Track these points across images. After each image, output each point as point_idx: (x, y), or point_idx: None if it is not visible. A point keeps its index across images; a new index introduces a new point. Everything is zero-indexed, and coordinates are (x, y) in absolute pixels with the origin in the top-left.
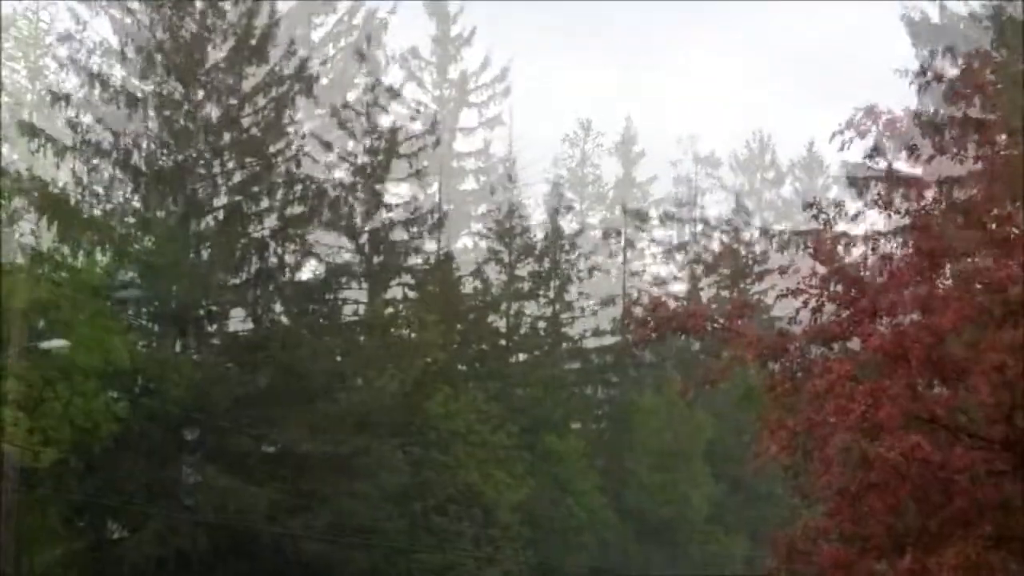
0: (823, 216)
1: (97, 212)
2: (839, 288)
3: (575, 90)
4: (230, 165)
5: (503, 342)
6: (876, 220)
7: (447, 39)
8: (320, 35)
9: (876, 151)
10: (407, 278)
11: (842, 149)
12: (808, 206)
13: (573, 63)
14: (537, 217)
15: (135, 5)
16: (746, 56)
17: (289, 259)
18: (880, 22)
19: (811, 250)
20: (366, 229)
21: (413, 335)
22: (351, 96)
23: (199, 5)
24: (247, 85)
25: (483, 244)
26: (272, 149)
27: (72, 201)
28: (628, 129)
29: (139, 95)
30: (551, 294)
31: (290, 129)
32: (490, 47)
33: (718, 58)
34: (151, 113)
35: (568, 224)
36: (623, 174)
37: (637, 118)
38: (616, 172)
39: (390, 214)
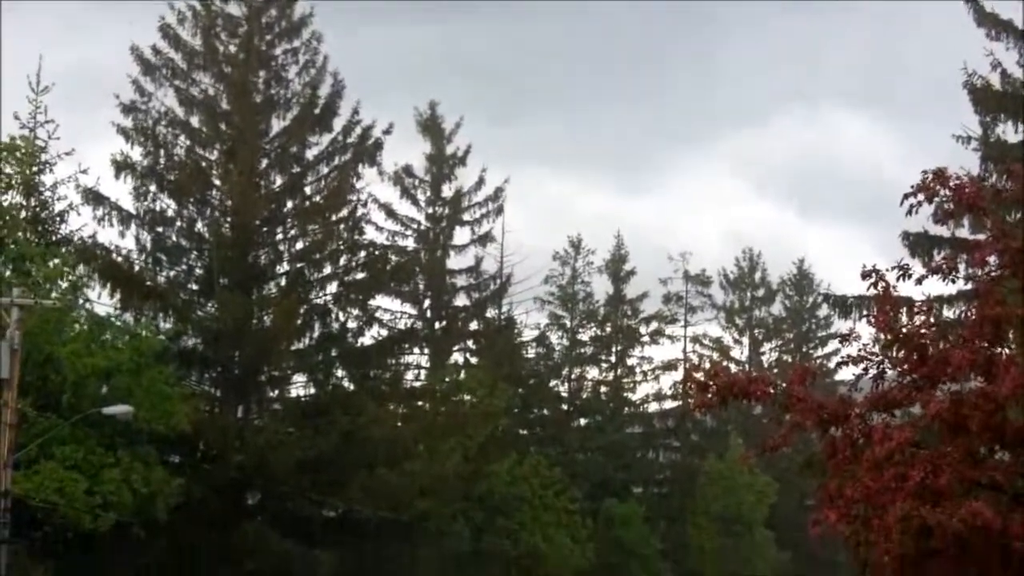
0: (882, 284)
1: (160, 279)
2: (900, 355)
3: (567, 205)
4: (293, 232)
5: (565, 407)
6: (939, 286)
7: (441, 158)
8: (314, 153)
9: (945, 215)
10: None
11: (910, 213)
12: (867, 274)
13: (566, 179)
14: (529, 334)
15: (200, 75)
16: (738, 174)
17: (351, 324)
18: (872, 138)
19: (871, 318)
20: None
21: (475, 400)
22: (344, 212)
23: (263, 75)
24: (310, 154)
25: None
26: (334, 217)
27: (135, 268)
28: (619, 247)
29: (203, 164)
30: (613, 359)
31: (352, 197)
32: (484, 163)
33: (710, 176)
34: (215, 181)
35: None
36: (613, 291)
37: (628, 235)
38: (607, 289)
39: (453, 280)
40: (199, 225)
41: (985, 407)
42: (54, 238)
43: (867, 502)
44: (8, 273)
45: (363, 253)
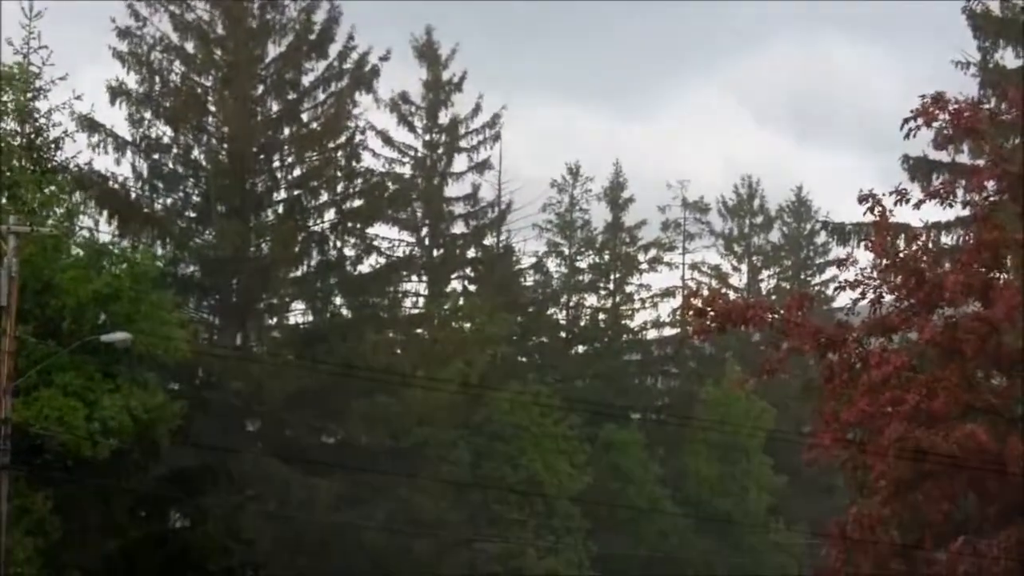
0: (878, 208)
1: (157, 206)
2: (898, 280)
3: (564, 133)
4: (290, 159)
5: (563, 334)
6: (938, 212)
7: (438, 84)
8: (310, 79)
9: (945, 140)
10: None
11: (908, 137)
12: (863, 198)
13: (563, 107)
14: (527, 261)
15: (195, 1)
16: (735, 101)
17: (349, 252)
18: (871, 66)
19: (867, 242)
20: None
21: (474, 328)
22: (342, 139)
23: (258, 0)
24: (306, 80)
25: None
26: (332, 144)
27: (132, 196)
28: (617, 174)
29: (198, 90)
30: (611, 286)
31: (349, 123)
32: (481, 90)
33: (708, 103)
34: (210, 107)
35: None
36: (612, 219)
37: (626, 163)
38: (605, 217)
39: (450, 207)
40: (195, 152)
41: (980, 331)
42: (49, 165)
43: (863, 425)
44: (4, 201)
45: (360, 180)
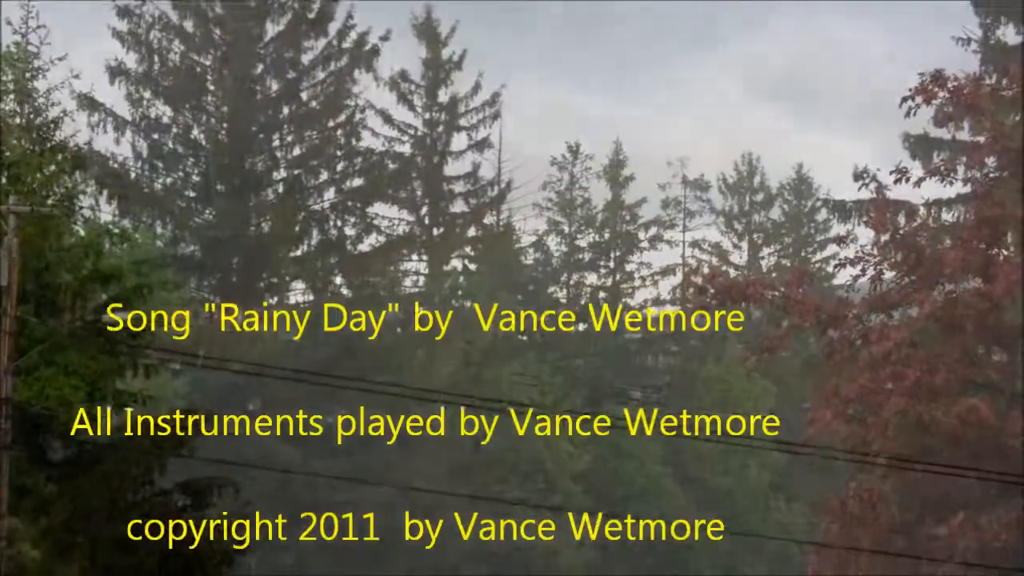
0: (874, 184)
1: (157, 186)
2: (898, 256)
3: (564, 112)
4: (289, 138)
5: (564, 312)
6: (938, 190)
7: (437, 62)
8: (310, 58)
9: (945, 117)
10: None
11: (908, 115)
12: (859, 175)
13: (563, 85)
14: (527, 240)
15: None
16: (735, 79)
17: (349, 231)
18: (872, 43)
19: (867, 219)
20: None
21: (475, 306)
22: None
23: None
24: (305, 59)
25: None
26: (331, 122)
27: (132, 175)
28: (617, 152)
29: (198, 69)
30: (611, 264)
31: (349, 102)
32: (481, 69)
33: (708, 81)
34: (210, 87)
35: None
36: (612, 197)
37: (626, 141)
38: (605, 195)
39: (450, 186)
40: (195, 131)
41: (980, 307)
42: (48, 145)
43: (863, 401)
44: (3, 181)
45: (360, 159)
